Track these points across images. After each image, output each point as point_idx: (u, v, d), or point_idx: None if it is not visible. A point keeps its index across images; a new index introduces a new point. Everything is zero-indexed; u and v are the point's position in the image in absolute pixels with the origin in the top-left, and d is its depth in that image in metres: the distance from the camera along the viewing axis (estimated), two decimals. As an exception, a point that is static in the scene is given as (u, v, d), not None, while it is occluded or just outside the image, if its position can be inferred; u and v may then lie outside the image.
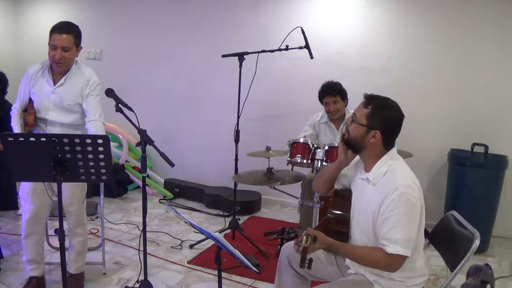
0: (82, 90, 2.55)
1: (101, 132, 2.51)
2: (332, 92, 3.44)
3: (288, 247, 2.17)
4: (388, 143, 1.88)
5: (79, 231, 2.75)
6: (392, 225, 1.73)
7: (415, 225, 1.76)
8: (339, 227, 2.03)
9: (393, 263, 1.74)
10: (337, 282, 1.95)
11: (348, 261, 2.00)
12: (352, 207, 1.99)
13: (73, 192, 2.61)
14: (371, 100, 1.89)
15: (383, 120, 1.83)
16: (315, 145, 3.34)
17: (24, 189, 2.57)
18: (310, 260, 1.74)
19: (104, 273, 3.03)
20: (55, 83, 2.52)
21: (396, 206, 1.72)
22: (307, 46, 3.55)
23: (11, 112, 2.59)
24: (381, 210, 1.77)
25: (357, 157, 2.02)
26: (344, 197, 2.07)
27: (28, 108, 2.53)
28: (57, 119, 2.54)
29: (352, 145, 1.94)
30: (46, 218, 2.75)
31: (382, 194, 1.78)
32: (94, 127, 2.50)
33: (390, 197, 1.74)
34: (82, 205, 2.71)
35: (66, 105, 2.53)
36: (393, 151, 1.90)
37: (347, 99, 3.53)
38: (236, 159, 3.67)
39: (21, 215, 4.01)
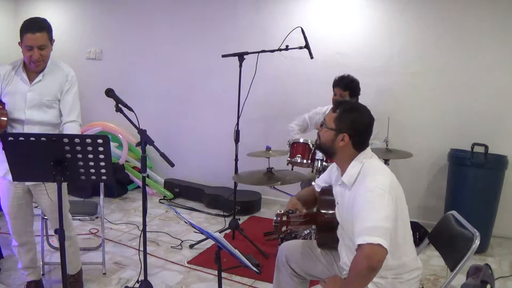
0: (61, 85, 2.46)
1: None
2: (343, 87, 3.41)
3: (287, 246, 2.18)
4: (358, 146, 1.88)
5: (68, 235, 2.58)
6: (358, 220, 1.70)
7: (384, 215, 1.68)
8: (328, 222, 2.04)
9: (368, 254, 1.63)
10: None
11: (342, 263, 2.00)
12: (336, 213, 1.99)
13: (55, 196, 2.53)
14: (339, 104, 1.93)
15: (351, 123, 1.86)
16: (315, 145, 3.35)
17: (2, 203, 2.53)
18: (289, 232, 1.78)
19: (104, 273, 3.03)
20: (30, 81, 2.42)
21: (363, 201, 1.72)
22: (307, 46, 3.55)
23: None
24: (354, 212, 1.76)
25: (334, 164, 2.03)
26: (330, 194, 2.07)
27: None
28: (36, 118, 2.42)
29: (324, 150, 1.97)
30: (32, 226, 2.68)
31: (356, 198, 1.77)
32: (69, 132, 2.42)
33: (359, 194, 1.75)
34: (66, 208, 2.64)
35: (45, 101, 2.42)
36: (366, 151, 1.90)
37: (357, 97, 3.47)
38: (236, 159, 3.67)
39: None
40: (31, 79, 2.43)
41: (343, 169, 1.91)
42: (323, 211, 2.07)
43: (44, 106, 2.44)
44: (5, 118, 2.37)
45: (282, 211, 1.91)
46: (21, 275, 2.74)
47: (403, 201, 1.84)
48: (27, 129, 2.41)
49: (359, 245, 1.66)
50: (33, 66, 2.38)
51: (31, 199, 2.59)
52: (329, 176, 2.15)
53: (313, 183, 2.38)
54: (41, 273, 2.89)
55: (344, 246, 1.98)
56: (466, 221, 2.03)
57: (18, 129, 2.43)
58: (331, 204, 2.03)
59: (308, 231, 3.13)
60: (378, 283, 1.84)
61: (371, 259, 1.63)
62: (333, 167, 2.09)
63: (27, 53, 2.32)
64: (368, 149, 1.92)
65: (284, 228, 1.85)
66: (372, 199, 1.71)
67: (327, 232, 2.04)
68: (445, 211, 3.33)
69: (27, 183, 2.47)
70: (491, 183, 3.67)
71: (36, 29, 2.28)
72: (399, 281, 1.85)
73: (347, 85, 3.41)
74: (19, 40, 2.34)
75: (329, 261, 2.11)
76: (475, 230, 1.90)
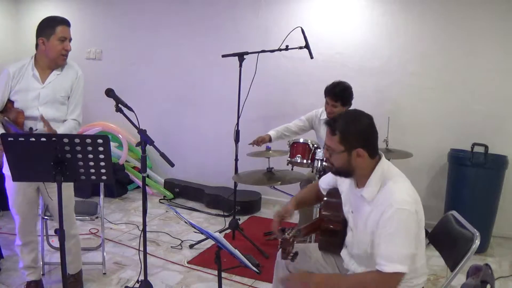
0: (72, 82, 2.54)
1: (70, 132, 2.48)
2: (334, 96, 3.31)
3: None
4: (373, 152, 1.81)
5: (72, 232, 2.69)
6: (389, 242, 1.68)
7: (412, 239, 1.71)
8: (333, 226, 2.01)
9: (390, 282, 1.69)
10: None
11: (345, 265, 1.99)
12: (349, 221, 1.95)
13: (65, 194, 2.58)
14: (334, 124, 1.79)
15: (357, 135, 1.76)
16: (315, 145, 3.34)
17: (11, 202, 2.55)
18: (295, 253, 1.76)
19: (104, 273, 3.03)
20: (43, 78, 2.47)
21: (391, 224, 1.68)
22: (307, 46, 3.55)
23: None
24: (378, 229, 1.73)
25: None
26: (336, 196, 2.04)
27: (10, 108, 2.44)
28: (49, 114, 2.45)
29: (343, 173, 1.87)
30: (36, 226, 2.71)
31: (378, 213, 1.74)
32: (67, 127, 2.49)
33: (385, 215, 1.70)
34: (72, 206, 2.69)
35: (59, 97, 2.49)
36: (383, 162, 1.83)
37: (350, 104, 3.39)
38: (236, 159, 3.67)
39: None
40: (43, 77, 2.48)
41: (359, 181, 1.85)
42: (328, 215, 2.03)
43: (57, 102, 2.49)
44: (23, 115, 2.41)
45: (289, 235, 1.84)
46: (22, 274, 2.74)
47: (422, 209, 1.82)
48: (40, 126, 2.44)
49: (386, 272, 1.67)
50: (62, 60, 2.47)
51: (38, 198, 2.61)
52: (333, 178, 2.10)
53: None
54: (42, 273, 2.89)
55: (350, 253, 1.95)
56: (466, 221, 2.03)
57: (31, 126, 2.46)
58: (338, 208, 1.99)
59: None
60: None
61: (393, 285, 1.70)
62: None
63: (59, 45, 2.42)
64: (383, 159, 1.84)
65: (290, 248, 1.84)
66: (403, 223, 1.68)
67: (331, 237, 2.00)
68: (445, 211, 3.33)
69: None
70: (491, 183, 3.67)
71: (67, 23, 2.47)
72: (407, 285, 1.84)
73: (337, 95, 3.28)
74: (41, 36, 2.41)
75: (330, 263, 2.08)
76: (475, 230, 1.90)
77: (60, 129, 2.43)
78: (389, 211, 1.69)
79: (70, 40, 2.48)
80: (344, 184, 2.00)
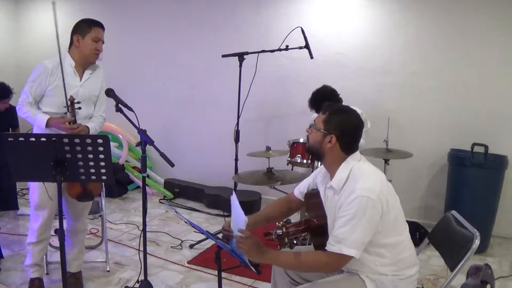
0: (101, 82, 2.70)
1: (100, 127, 2.70)
2: (317, 107, 3.27)
3: None
4: (346, 148, 1.86)
5: (83, 227, 2.84)
6: (341, 225, 1.73)
7: (369, 228, 1.73)
8: (318, 223, 2.00)
9: (334, 262, 1.75)
10: (327, 279, 1.94)
11: None
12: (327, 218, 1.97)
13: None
14: (328, 107, 1.93)
15: (338, 124, 1.85)
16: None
17: (39, 198, 2.58)
18: (292, 242, 1.83)
19: (108, 271, 3.06)
20: (80, 78, 2.60)
21: (350, 208, 1.72)
22: (307, 46, 3.55)
23: (20, 103, 2.50)
24: (338, 213, 1.77)
25: (320, 168, 2.02)
26: (316, 196, 2.04)
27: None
28: (83, 112, 2.57)
29: (313, 152, 1.97)
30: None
31: (342, 200, 1.78)
32: (97, 122, 2.67)
33: (347, 200, 1.75)
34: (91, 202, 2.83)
35: (93, 96, 2.64)
36: (355, 155, 1.88)
37: (341, 103, 3.34)
38: (236, 159, 3.66)
39: (21, 215, 4.06)
40: (79, 75, 2.61)
41: (332, 173, 1.89)
42: (312, 215, 2.02)
43: (91, 101, 2.64)
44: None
45: (280, 224, 1.90)
46: (25, 272, 2.76)
47: (396, 201, 1.84)
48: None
49: (331, 251, 1.73)
50: (94, 57, 2.62)
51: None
52: (313, 180, 2.12)
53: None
54: (46, 272, 2.92)
55: None
56: (466, 221, 2.03)
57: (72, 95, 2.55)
58: (320, 207, 2.00)
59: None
60: (378, 280, 1.84)
61: (336, 266, 1.78)
62: (319, 173, 2.07)
63: (93, 44, 2.57)
64: (357, 153, 1.90)
65: (286, 240, 1.87)
66: (360, 209, 1.71)
67: (320, 236, 2.00)
68: (445, 211, 3.33)
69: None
70: (491, 183, 3.67)
71: (103, 27, 2.62)
72: (399, 278, 1.84)
73: (317, 102, 3.25)
74: (76, 34, 2.56)
75: None
76: (475, 230, 1.90)
77: (91, 124, 2.59)
78: (351, 197, 1.74)
79: (103, 42, 2.61)
80: (321, 182, 2.02)
